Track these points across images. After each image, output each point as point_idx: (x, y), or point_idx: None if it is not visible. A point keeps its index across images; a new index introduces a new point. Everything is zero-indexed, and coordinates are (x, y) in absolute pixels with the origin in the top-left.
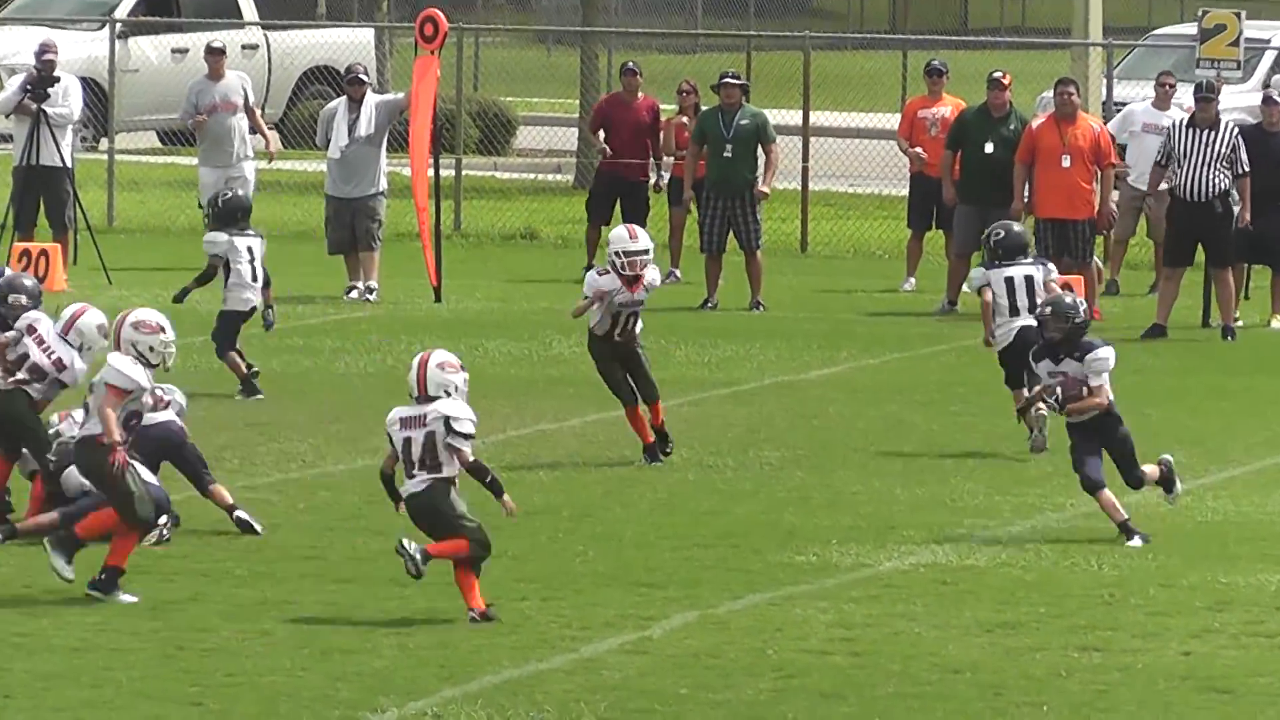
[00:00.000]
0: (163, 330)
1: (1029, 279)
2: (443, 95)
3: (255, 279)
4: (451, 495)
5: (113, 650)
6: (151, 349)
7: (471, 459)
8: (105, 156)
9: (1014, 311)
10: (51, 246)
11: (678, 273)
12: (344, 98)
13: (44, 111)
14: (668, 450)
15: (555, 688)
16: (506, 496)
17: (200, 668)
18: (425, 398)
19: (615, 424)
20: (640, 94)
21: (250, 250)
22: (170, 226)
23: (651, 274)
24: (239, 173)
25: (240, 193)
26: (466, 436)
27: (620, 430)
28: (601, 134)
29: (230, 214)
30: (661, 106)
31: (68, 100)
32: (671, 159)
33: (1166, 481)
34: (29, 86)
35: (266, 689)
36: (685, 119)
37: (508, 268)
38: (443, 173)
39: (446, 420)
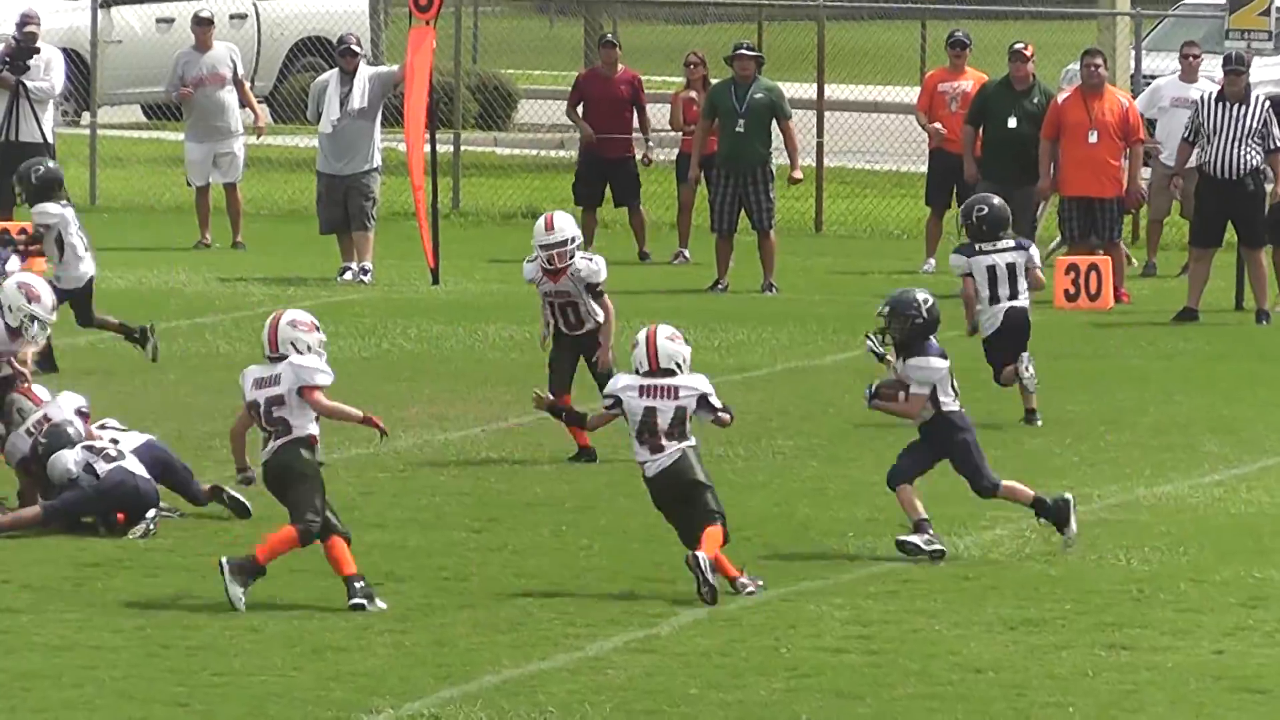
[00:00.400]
0: (318, 328)
1: (1011, 267)
2: (440, 68)
3: (87, 249)
4: (695, 459)
5: (94, 648)
6: (310, 347)
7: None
8: (87, 132)
9: (994, 300)
10: (31, 226)
11: (686, 253)
12: (336, 70)
13: (23, 85)
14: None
15: (558, 688)
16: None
17: (186, 667)
18: (659, 370)
19: None
20: (620, 66)
21: (75, 221)
22: (155, 204)
23: (581, 264)
24: (227, 148)
25: (51, 164)
26: (721, 409)
27: None
28: (580, 110)
29: (48, 186)
30: (668, 79)
31: (49, 74)
32: (680, 134)
33: (1046, 510)
34: (7, 58)
35: (255, 689)
36: (693, 93)
37: (508, 248)
38: (440, 148)
39: (703, 396)
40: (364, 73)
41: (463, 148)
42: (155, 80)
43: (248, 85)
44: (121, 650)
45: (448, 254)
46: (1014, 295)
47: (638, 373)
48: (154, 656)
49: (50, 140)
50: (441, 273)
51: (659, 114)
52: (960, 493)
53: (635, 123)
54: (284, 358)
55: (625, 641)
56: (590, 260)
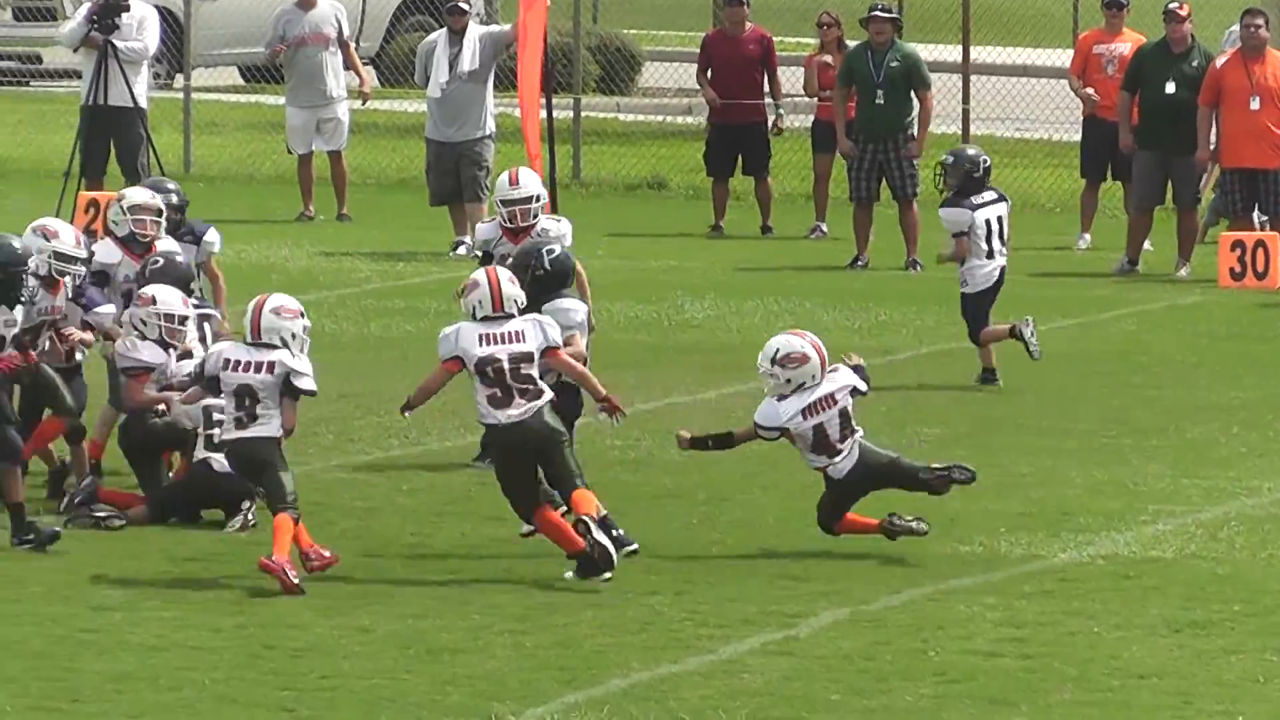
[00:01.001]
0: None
1: (1000, 220)
2: (557, 27)
3: None
4: (871, 445)
5: (193, 649)
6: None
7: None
8: (181, 95)
9: (990, 255)
10: None
11: (824, 227)
12: (444, 30)
13: (112, 45)
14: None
15: (690, 693)
16: None
17: (291, 669)
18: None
19: (756, 396)
20: (749, 25)
21: None
22: (254, 173)
23: (549, 224)
24: (330, 114)
25: None
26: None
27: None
28: (708, 74)
29: None
30: (802, 41)
31: (142, 33)
32: (814, 100)
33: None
34: (95, 17)
35: (365, 693)
36: (828, 57)
37: (632, 221)
38: (558, 114)
39: (854, 390)
40: (474, 32)
41: (583, 114)
42: (254, 40)
43: (353, 46)
44: (222, 651)
45: None
46: (1002, 249)
47: (802, 388)
48: (257, 658)
49: (142, 105)
50: None
51: (792, 78)
52: (1118, 484)
53: (766, 86)
54: (509, 315)
55: (761, 643)
56: (558, 222)
